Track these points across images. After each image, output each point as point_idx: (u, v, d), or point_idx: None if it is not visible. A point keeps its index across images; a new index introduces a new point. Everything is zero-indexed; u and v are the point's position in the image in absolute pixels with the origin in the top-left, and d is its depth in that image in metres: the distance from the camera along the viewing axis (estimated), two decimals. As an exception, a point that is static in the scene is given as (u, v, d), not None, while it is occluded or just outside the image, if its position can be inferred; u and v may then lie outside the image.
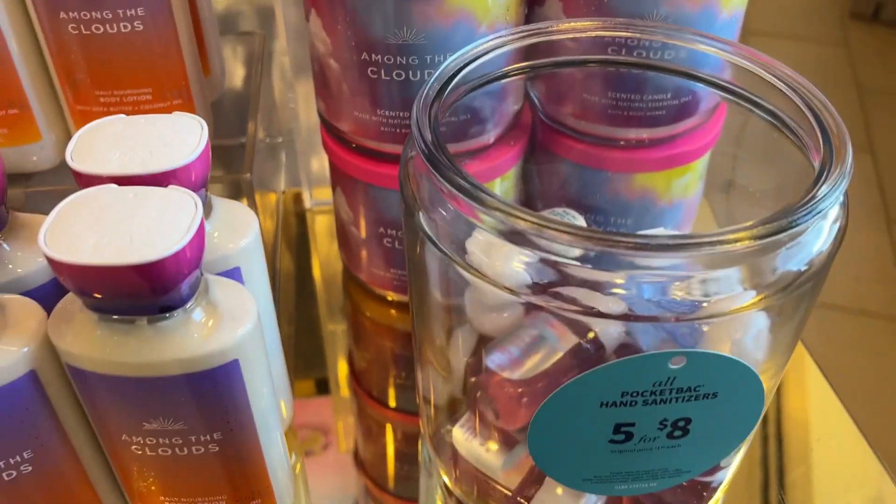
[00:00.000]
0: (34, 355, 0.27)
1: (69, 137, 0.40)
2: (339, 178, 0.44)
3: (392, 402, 0.45)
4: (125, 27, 0.36)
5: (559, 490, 0.34)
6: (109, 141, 0.29)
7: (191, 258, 0.25)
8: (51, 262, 0.24)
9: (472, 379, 0.36)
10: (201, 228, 0.25)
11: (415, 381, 0.40)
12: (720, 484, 0.35)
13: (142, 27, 0.36)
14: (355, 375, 0.46)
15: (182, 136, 0.29)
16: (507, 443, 0.35)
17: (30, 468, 0.29)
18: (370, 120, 0.39)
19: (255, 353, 0.28)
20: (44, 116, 0.39)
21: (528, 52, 0.36)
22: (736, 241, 0.24)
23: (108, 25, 0.36)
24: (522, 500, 0.34)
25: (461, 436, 0.36)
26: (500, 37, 0.33)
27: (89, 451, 0.30)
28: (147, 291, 0.25)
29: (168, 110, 0.33)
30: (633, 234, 0.25)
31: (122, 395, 0.27)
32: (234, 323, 0.27)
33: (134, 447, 0.29)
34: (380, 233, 0.43)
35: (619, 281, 0.26)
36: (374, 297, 0.48)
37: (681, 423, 0.28)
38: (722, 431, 0.29)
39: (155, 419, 0.28)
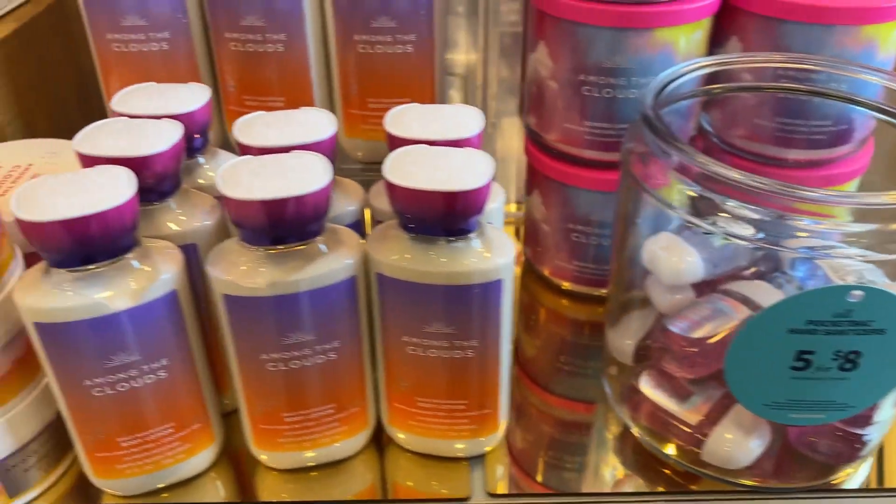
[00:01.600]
0: (354, 265, 0.37)
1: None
2: (538, 181, 0.53)
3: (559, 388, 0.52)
4: (398, 49, 0.48)
5: (728, 435, 0.41)
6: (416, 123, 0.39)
7: (485, 196, 0.34)
8: (393, 187, 0.34)
9: (655, 339, 0.44)
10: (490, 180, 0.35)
11: (604, 341, 0.48)
12: (871, 440, 0.41)
13: (411, 50, 0.48)
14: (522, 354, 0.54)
15: (465, 122, 0.39)
16: (687, 390, 0.43)
17: (335, 357, 0.38)
18: (577, 130, 0.48)
19: (510, 280, 0.37)
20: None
21: (709, 79, 0.45)
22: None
23: (385, 47, 0.47)
24: (700, 436, 0.41)
25: (648, 384, 0.44)
26: (700, 62, 0.42)
27: (367, 347, 0.40)
28: (457, 215, 0.34)
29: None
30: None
31: (414, 300, 0.37)
32: (500, 253, 0.37)
33: (410, 348, 0.38)
34: (568, 228, 0.52)
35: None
36: (550, 287, 0.57)
37: (851, 356, 0.35)
38: (887, 368, 0.36)
39: (435, 322, 0.37)
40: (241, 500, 0.42)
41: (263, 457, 0.42)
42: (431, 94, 0.50)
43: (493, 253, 0.36)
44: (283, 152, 0.36)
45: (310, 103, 0.50)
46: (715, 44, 0.49)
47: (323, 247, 0.36)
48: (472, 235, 0.36)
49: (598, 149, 0.49)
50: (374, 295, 0.38)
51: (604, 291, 0.55)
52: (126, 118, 0.39)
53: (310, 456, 0.42)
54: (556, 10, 0.45)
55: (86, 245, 0.33)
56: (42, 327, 0.34)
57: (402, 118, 0.39)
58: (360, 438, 0.43)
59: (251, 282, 0.35)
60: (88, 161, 0.36)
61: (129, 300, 0.34)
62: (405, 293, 0.37)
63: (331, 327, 0.37)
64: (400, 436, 0.43)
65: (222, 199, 0.34)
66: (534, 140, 0.52)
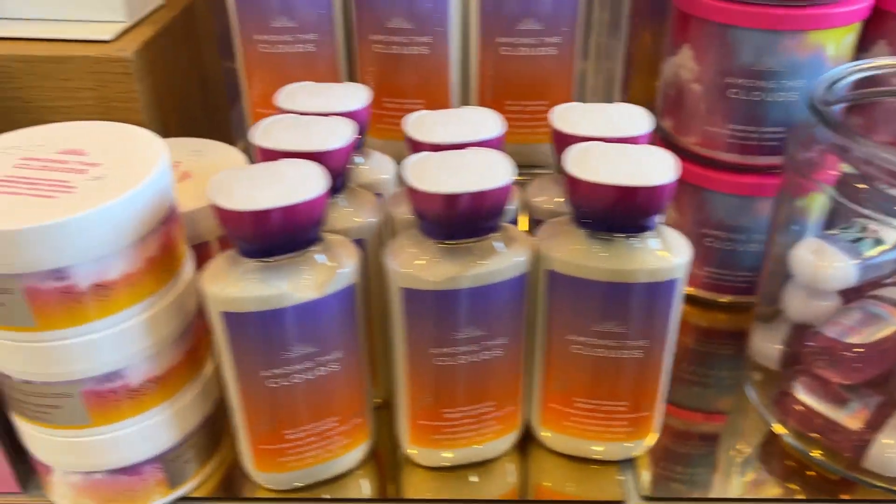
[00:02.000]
0: (527, 262, 0.37)
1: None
2: (668, 186, 0.53)
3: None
4: (541, 51, 0.48)
5: (891, 441, 0.40)
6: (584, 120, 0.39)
7: (670, 193, 0.34)
8: (576, 183, 0.34)
9: (809, 344, 0.43)
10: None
11: (749, 347, 0.47)
12: None
13: (555, 52, 0.48)
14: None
15: (633, 121, 0.39)
16: (843, 395, 0.42)
17: (500, 353, 0.38)
18: (720, 133, 0.48)
19: (683, 280, 0.37)
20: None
21: (859, 84, 0.45)
22: None
23: (529, 49, 0.48)
24: (859, 442, 0.40)
25: (803, 390, 0.43)
26: (866, 63, 0.42)
27: (527, 346, 0.40)
28: (640, 211, 0.34)
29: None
30: None
31: (586, 297, 0.37)
32: (677, 252, 0.36)
33: (574, 346, 0.38)
34: (702, 233, 0.52)
35: None
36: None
37: None
38: None
39: (605, 321, 0.37)
40: (390, 496, 0.42)
41: (413, 451, 0.42)
42: (568, 95, 0.50)
43: (671, 252, 0.36)
44: (454, 149, 0.37)
45: (446, 105, 0.50)
46: (861, 48, 0.48)
47: (498, 243, 0.36)
48: (649, 233, 0.36)
49: (739, 152, 0.48)
50: (541, 293, 0.38)
51: (727, 299, 0.54)
52: (296, 115, 0.39)
53: (463, 454, 0.42)
54: (705, 13, 0.45)
55: (279, 235, 0.33)
56: (228, 316, 0.35)
57: (569, 116, 0.40)
58: (510, 438, 0.43)
59: (430, 275, 0.35)
60: (269, 155, 0.36)
61: (313, 292, 0.35)
62: (577, 290, 0.37)
63: (499, 324, 0.37)
64: (548, 436, 0.43)
65: (411, 193, 0.34)
66: (667, 142, 0.52)
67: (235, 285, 0.34)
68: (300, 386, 0.37)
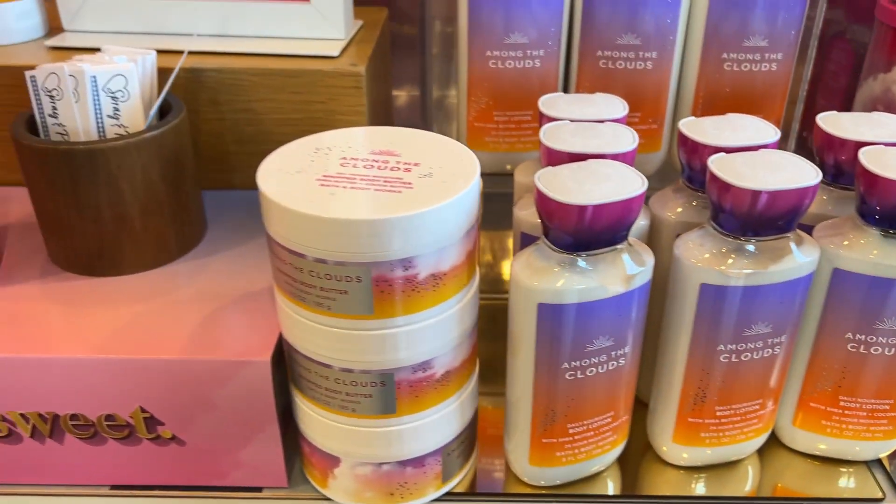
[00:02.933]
0: (815, 261, 0.38)
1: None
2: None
3: None
4: (764, 67, 0.50)
5: None
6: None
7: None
8: (875, 180, 0.36)
9: None
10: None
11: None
12: None
13: (775, 69, 0.50)
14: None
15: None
16: None
17: (778, 352, 0.39)
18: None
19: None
20: (667, 132, 0.53)
21: None
22: None
23: (748, 65, 0.50)
24: None
25: None
26: None
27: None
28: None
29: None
30: None
31: (873, 295, 0.38)
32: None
33: (851, 344, 0.40)
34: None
35: None
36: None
37: None
38: None
39: (889, 318, 0.38)
40: (645, 493, 0.43)
41: (672, 449, 0.43)
42: (780, 110, 0.52)
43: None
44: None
45: (661, 117, 0.52)
46: None
47: (792, 242, 0.37)
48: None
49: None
50: (819, 291, 0.39)
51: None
52: (573, 122, 0.41)
53: (719, 453, 0.43)
54: (932, 30, 0.47)
55: (604, 230, 0.35)
56: (544, 308, 0.36)
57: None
58: (763, 437, 0.44)
59: (729, 270, 0.37)
60: (560, 157, 0.38)
61: (622, 286, 0.36)
62: (864, 288, 0.38)
63: (785, 322, 0.39)
64: (798, 435, 0.44)
65: (723, 189, 0.36)
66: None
67: (555, 278, 0.36)
68: (592, 379, 0.38)
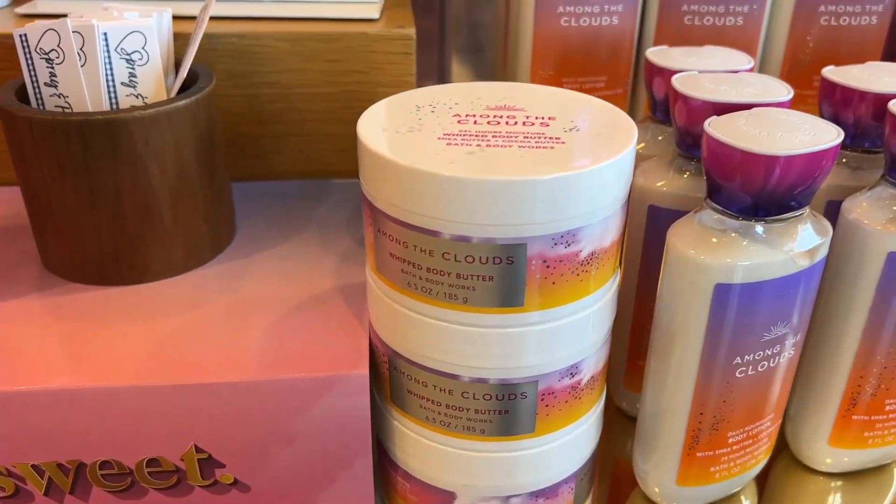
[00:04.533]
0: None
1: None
2: None
3: None
4: (864, 20, 0.45)
5: None
6: None
7: None
8: None
9: None
10: None
11: None
12: None
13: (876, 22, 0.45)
14: None
15: None
16: None
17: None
18: None
19: None
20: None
21: None
22: None
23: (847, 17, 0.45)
24: None
25: None
26: None
27: None
28: None
29: None
30: None
31: None
32: None
33: None
34: None
35: None
36: None
37: None
38: None
39: None
40: (793, 510, 0.37)
41: (822, 453, 0.37)
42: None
43: None
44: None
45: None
46: None
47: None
48: None
49: None
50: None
51: None
52: (709, 73, 0.35)
53: (882, 453, 0.37)
54: None
55: (790, 190, 0.28)
56: (723, 290, 0.29)
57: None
58: (918, 434, 0.38)
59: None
60: (702, 111, 0.32)
61: (806, 259, 0.30)
62: None
63: None
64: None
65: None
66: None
67: (736, 251, 0.29)
68: (762, 375, 0.32)
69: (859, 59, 0.46)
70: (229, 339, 0.32)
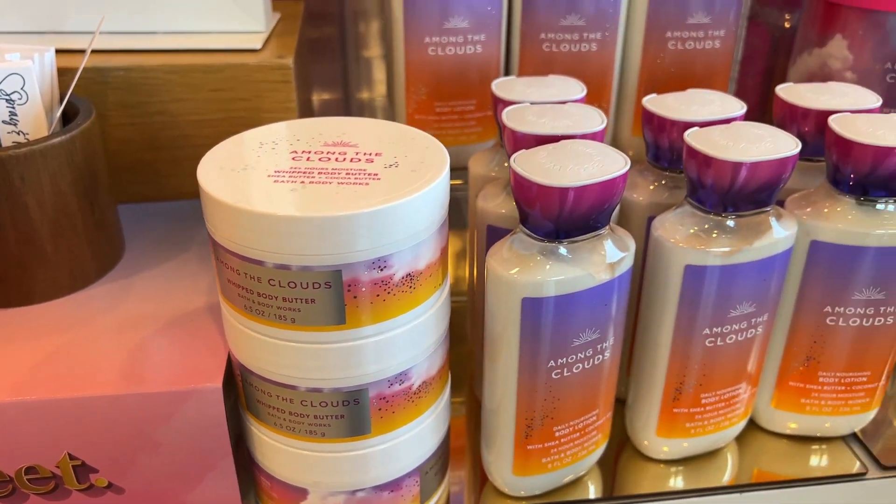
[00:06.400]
0: (794, 235, 0.37)
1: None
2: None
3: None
4: (707, 45, 0.49)
5: None
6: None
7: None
8: (850, 145, 0.35)
9: None
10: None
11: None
12: None
13: (719, 46, 0.49)
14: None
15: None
16: None
17: (762, 331, 0.38)
18: (873, 118, 0.50)
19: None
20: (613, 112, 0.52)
21: None
22: None
23: (692, 42, 0.49)
24: None
25: None
26: None
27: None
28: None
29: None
30: None
31: (851, 266, 0.37)
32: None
33: (830, 318, 0.39)
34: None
35: None
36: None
37: None
38: None
39: (869, 288, 0.37)
40: (630, 493, 0.41)
41: (654, 443, 0.41)
42: (725, 85, 0.51)
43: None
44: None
45: (608, 99, 0.50)
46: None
47: (773, 218, 0.36)
48: (906, 198, 0.37)
49: None
50: (797, 265, 0.38)
51: None
52: (535, 104, 0.39)
53: (700, 443, 0.41)
54: (867, 3, 0.48)
55: (587, 214, 0.32)
56: (529, 303, 0.33)
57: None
58: (744, 423, 0.42)
59: (712, 250, 0.35)
60: (527, 140, 0.35)
61: (606, 273, 0.34)
62: (842, 259, 0.37)
63: (766, 299, 0.37)
64: (778, 416, 0.43)
65: (709, 161, 0.34)
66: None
67: (538, 270, 0.33)
68: (578, 376, 0.36)
69: (710, 78, 0.51)
70: (102, 356, 0.36)
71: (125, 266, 0.43)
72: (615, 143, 0.53)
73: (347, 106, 0.70)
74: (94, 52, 0.44)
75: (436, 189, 0.31)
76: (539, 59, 0.49)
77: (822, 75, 0.52)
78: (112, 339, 0.37)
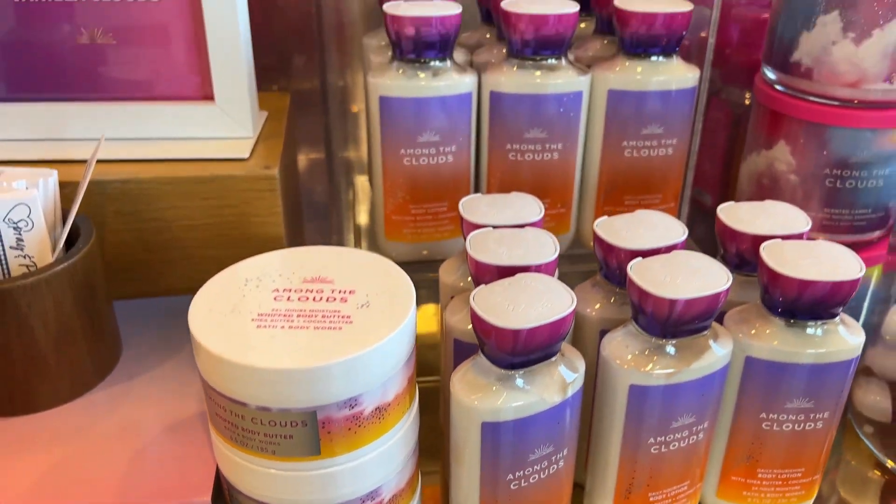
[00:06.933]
0: (730, 353, 0.41)
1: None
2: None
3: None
4: (661, 152, 0.53)
5: None
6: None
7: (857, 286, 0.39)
8: (780, 279, 0.39)
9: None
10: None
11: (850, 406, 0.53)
12: None
13: (672, 153, 0.53)
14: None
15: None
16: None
17: (702, 438, 0.42)
18: (816, 217, 0.54)
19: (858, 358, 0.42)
20: (575, 214, 0.55)
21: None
22: None
23: (647, 150, 0.53)
24: None
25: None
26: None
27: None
28: (838, 301, 0.39)
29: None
30: None
31: (783, 379, 0.41)
32: (858, 334, 0.41)
33: (766, 423, 0.42)
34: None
35: None
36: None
37: None
38: None
39: (798, 399, 0.41)
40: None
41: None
42: (678, 191, 0.55)
43: (855, 334, 0.41)
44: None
45: (569, 203, 0.54)
46: None
47: (711, 340, 0.40)
48: (837, 319, 0.41)
49: (833, 232, 0.55)
50: (736, 377, 0.42)
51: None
52: (495, 228, 0.42)
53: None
54: (807, 115, 0.52)
55: (540, 348, 0.36)
56: (487, 426, 0.37)
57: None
58: (694, 514, 0.46)
59: (655, 371, 0.39)
60: (489, 269, 0.39)
61: (559, 395, 0.38)
62: (774, 374, 0.41)
63: (706, 410, 0.41)
64: (723, 507, 0.47)
65: (643, 297, 0.37)
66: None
67: (496, 397, 0.36)
68: (535, 486, 0.39)
69: (664, 183, 0.55)
70: (101, 468, 0.39)
71: (124, 366, 0.47)
72: (577, 242, 0.57)
73: (330, 168, 0.73)
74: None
75: (402, 332, 0.35)
76: (505, 166, 0.53)
77: (770, 174, 0.56)
78: (110, 447, 0.41)
